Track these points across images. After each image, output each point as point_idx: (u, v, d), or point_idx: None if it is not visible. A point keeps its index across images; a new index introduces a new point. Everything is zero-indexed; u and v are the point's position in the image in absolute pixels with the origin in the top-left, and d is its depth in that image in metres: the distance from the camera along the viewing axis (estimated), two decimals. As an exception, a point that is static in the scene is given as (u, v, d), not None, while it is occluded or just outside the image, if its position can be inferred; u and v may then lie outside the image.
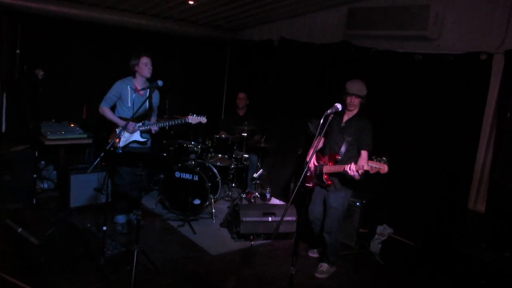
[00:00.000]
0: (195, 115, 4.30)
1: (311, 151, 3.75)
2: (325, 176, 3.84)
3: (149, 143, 4.60)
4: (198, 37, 6.85)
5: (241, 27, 7.13)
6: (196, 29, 6.64)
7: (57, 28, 5.64)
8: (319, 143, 4.06)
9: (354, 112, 3.88)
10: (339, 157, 3.81)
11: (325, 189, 3.99)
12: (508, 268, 3.57)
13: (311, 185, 3.99)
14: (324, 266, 4.12)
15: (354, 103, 3.81)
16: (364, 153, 3.80)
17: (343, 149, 3.82)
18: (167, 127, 4.74)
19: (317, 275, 4.09)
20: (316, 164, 3.98)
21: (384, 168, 3.36)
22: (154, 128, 4.41)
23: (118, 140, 4.24)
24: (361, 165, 3.55)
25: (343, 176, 3.82)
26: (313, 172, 4.01)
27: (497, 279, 3.63)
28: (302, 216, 4.49)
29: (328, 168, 3.81)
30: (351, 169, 3.56)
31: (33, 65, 5.11)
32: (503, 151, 4.02)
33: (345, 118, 3.92)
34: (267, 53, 6.67)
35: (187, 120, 4.31)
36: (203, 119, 4.35)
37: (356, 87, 3.79)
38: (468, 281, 3.85)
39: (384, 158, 3.38)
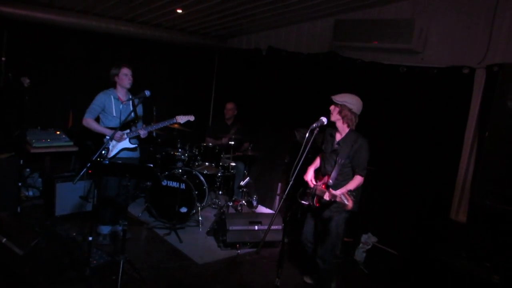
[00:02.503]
0: (182, 115, 4.40)
1: (310, 169, 3.72)
2: (315, 198, 3.55)
3: (138, 150, 4.60)
4: (186, 45, 6.87)
5: (229, 36, 7.17)
6: (184, 37, 6.66)
7: (43, 35, 5.59)
8: (317, 160, 3.83)
9: (346, 130, 3.51)
10: (331, 181, 3.45)
11: (316, 211, 3.70)
12: (487, 278, 3.65)
13: (306, 203, 3.64)
14: None
15: (332, 112, 3.48)
16: (358, 179, 3.46)
17: (334, 173, 3.45)
18: (154, 132, 4.76)
19: None
20: (315, 183, 3.66)
21: (349, 204, 3.10)
22: (143, 132, 4.40)
23: (107, 149, 4.22)
24: (333, 193, 3.25)
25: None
26: (310, 191, 3.69)
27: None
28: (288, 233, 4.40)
29: (319, 190, 3.51)
30: (327, 196, 3.30)
31: (18, 72, 5.05)
32: (480, 170, 4.02)
33: (338, 137, 3.55)
34: (255, 61, 6.71)
35: (175, 121, 4.39)
36: (191, 117, 4.49)
37: (339, 96, 3.46)
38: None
39: (353, 193, 3.19)
